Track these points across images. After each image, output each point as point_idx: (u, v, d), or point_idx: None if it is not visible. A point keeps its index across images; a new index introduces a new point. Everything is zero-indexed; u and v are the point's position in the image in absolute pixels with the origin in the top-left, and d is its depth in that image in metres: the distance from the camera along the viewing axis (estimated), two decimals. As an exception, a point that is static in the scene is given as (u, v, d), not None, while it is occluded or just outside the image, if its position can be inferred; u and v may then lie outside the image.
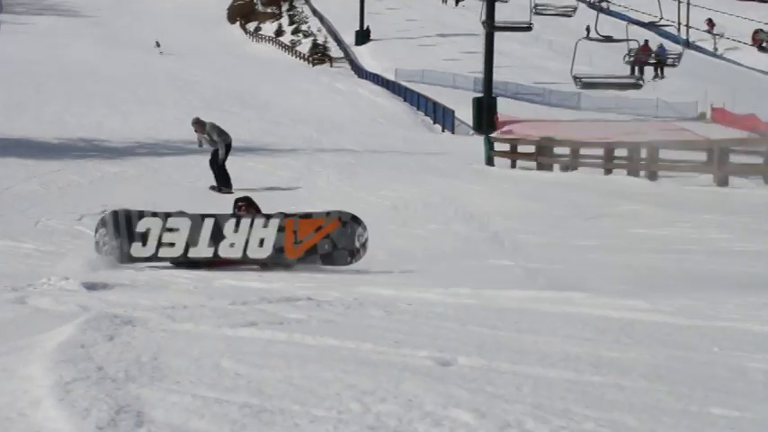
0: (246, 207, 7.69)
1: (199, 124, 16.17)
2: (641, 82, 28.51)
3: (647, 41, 35.31)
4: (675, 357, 2.97)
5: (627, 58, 32.52)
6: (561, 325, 3.59)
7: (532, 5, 35.15)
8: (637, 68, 36.05)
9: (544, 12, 36.27)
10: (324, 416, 2.08)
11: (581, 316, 3.89)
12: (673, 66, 31.19)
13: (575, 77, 25.78)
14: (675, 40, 47.28)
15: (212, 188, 15.34)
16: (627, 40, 25.69)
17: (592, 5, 47.40)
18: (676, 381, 2.59)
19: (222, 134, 15.96)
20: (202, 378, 2.39)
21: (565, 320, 3.72)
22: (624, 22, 27.90)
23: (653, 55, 33.62)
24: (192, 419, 2.03)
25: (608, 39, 25.56)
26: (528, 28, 37.00)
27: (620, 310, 4.09)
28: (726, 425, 2.14)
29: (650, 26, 33.08)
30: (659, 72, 37.95)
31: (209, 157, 15.96)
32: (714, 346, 3.22)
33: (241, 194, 10.72)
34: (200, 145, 16.18)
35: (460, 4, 70.05)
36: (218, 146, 15.80)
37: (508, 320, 3.64)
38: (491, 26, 36.83)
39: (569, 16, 39.10)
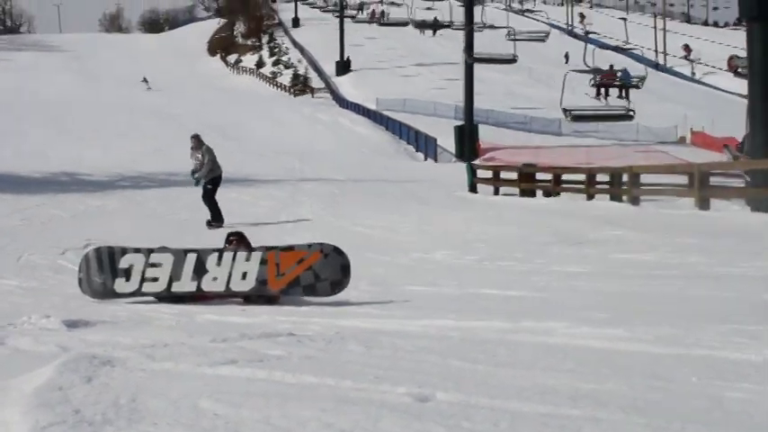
0: (238, 242, 7.70)
1: (197, 140, 15.77)
2: (632, 113, 28.77)
3: (611, 66, 36.37)
4: (654, 388, 2.99)
5: (592, 82, 33.35)
6: (541, 356, 3.60)
7: (507, 32, 35.61)
8: (603, 91, 36.95)
9: (518, 38, 36.63)
10: (301, 456, 2.09)
11: (561, 346, 3.90)
12: (636, 87, 31.85)
13: (564, 110, 25.89)
14: (649, 63, 47.90)
15: (208, 222, 15.05)
16: (614, 71, 25.75)
17: (571, 33, 47.90)
18: (654, 413, 2.60)
19: (214, 163, 15.57)
20: (180, 419, 2.39)
21: (545, 351, 3.74)
22: (594, 47, 28.37)
23: (617, 79, 34.58)
24: (168, 463, 2.03)
25: (597, 71, 25.55)
26: (512, 60, 37.09)
27: (600, 339, 4.11)
28: (702, 456, 2.15)
29: (618, 50, 33.70)
30: (624, 94, 38.91)
31: (199, 191, 15.72)
32: (693, 376, 3.24)
33: (230, 228, 10.64)
34: (197, 183, 15.69)
35: (438, 33, 70.54)
36: (202, 168, 15.34)
37: (488, 353, 3.65)
38: (473, 58, 36.86)
39: (543, 41, 39.51)
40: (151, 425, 2.35)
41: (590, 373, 3.24)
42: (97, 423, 2.34)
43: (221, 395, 2.70)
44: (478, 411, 2.54)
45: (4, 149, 36.31)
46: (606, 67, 27.27)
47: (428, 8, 68.63)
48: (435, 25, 59.30)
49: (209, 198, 15.26)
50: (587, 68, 25.15)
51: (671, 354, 3.75)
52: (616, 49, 33.56)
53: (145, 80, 67.67)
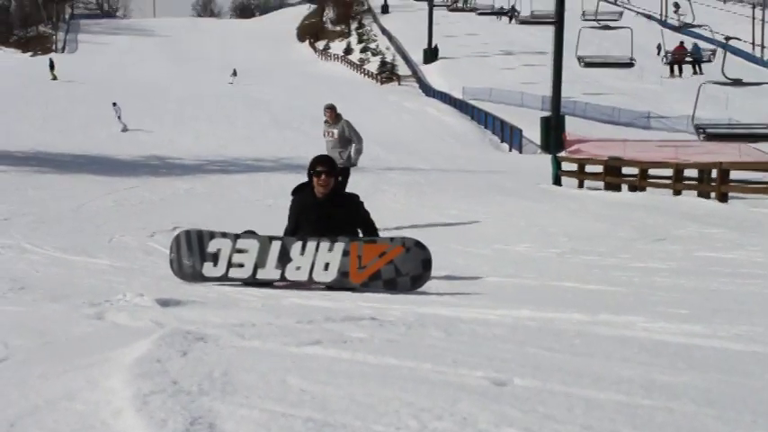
0: (326, 175, 7.21)
1: (332, 111, 13.12)
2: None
3: (681, 42, 36.31)
4: (728, 383, 3.04)
5: (664, 60, 34.19)
6: (617, 348, 3.67)
7: (581, 12, 35.53)
8: (676, 67, 37.09)
9: (590, 19, 35.92)
10: (383, 431, 2.22)
11: (638, 340, 3.96)
12: (709, 61, 32.54)
13: (697, 127, 24.73)
14: (750, 57, 46.63)
15: None
16: (756, 84, 24.10)
17: (664, 24, 47.04)
18: (726, 405, 2.66)
19: (358, 134, 13.04)
20: (269, 393, 2.55)
21: (621, 344, 3.80)
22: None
23: (688, 54, 35.45)
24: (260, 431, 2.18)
25: (737, 82, 23.33)
26: (629, 64, 35.42)
27: (677, 334, 4.14)
28: (770, 449, 2.21)
29: (719, 43, 33.46)
30: (697, 69, 38.63)
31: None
32: (768, 373, 3.26)
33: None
34: (355, 164, 13.08)
35: (513, 21, 68.37)
36: (349, 146, 12.84)
37: (565, 343, 3.73)
38: (587, 63, 35.26)
39: (616, 21, 38.80)
40: (243, 397, 2.51)
41: (665, 366, 3.29)
42: (194, 393, 2.52)
43: (307, 373, 2.85)
44: (554, 397, 2.64)
45: (100, 132, 37.46)
46: (755, 84, 25.57)
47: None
48: (534, 20, 57.01)
49: (345, 183, 12.09)
50: (728, 80, 23.11)
51: (748, 350, 3.77)
52: (715, 41, 33.17)
53: (234, 73, 64.79)
